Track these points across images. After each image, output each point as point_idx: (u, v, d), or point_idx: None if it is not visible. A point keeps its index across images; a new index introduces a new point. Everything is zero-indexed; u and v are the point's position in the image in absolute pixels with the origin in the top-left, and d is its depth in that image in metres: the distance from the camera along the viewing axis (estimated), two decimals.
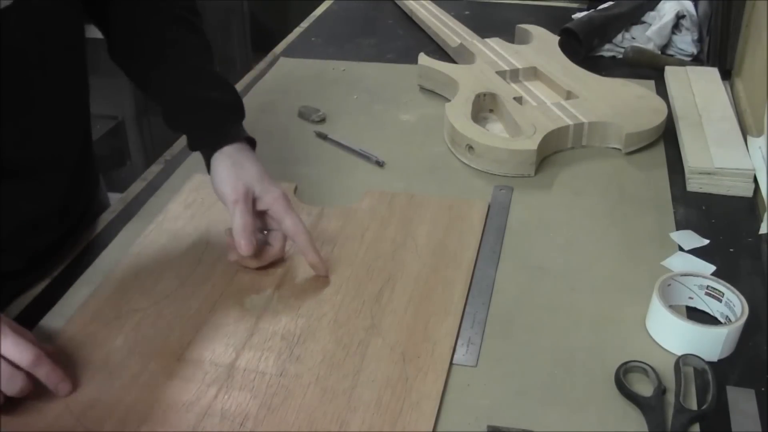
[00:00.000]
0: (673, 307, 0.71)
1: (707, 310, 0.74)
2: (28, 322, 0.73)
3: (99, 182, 0.98)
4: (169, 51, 0.84)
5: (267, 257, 0.80)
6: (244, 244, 0.75)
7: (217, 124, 0.82)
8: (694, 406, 0.64)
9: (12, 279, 0.78)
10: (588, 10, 1.45)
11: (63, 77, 0.81)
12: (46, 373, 0.61)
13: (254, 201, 0.78)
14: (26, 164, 0.78)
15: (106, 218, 0.92)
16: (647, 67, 1.29)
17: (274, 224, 0.80)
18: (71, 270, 0.82)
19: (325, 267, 0.79)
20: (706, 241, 0.85)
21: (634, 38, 1.35)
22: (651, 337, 0.71)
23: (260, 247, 0.79)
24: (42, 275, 0.81)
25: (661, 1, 1.36)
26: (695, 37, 1.33)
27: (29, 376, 0.61)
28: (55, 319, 0.74)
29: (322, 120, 1.13)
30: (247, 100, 1.19)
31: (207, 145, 0.82)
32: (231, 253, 0.79)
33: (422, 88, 1.23)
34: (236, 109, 0.85)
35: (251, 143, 0.84)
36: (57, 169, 0.82)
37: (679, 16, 1.33)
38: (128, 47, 0.86)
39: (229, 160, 0.79)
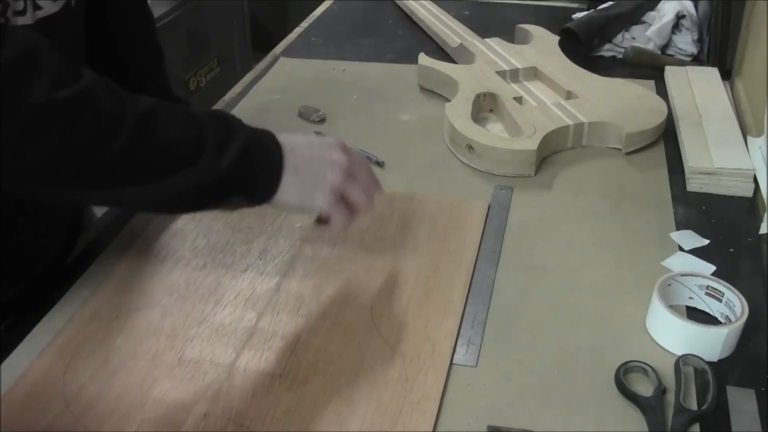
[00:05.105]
0: (673, 307, 0.71)
1: (707, 310, 0.74)
2: (27, 322, 0.73)
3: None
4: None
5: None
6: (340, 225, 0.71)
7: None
8: (694, 406, 0.64)
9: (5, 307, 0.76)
10: (588, 10, 1.45)
11: None
12: None
13: None
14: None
15: (106, 218, 0.92)
16: (647, 67, 1.29)
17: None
18: (71, 270, 0.81)
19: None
20: (706, 241, 0.85)
21: (634, 38, 1.35)
22: (651, 337, 0.71)
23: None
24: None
25: (661, 1, 1.36)
26: (695, 37, 1.33)
27: None
28: (55, 319, 0.74)
29: (322, 120, 1.13)
30: (247, 100, 1.20)
31: None
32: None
33: (422, 88, 1.23)
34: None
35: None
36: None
37: (679, 16, 1.33)
38: None
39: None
